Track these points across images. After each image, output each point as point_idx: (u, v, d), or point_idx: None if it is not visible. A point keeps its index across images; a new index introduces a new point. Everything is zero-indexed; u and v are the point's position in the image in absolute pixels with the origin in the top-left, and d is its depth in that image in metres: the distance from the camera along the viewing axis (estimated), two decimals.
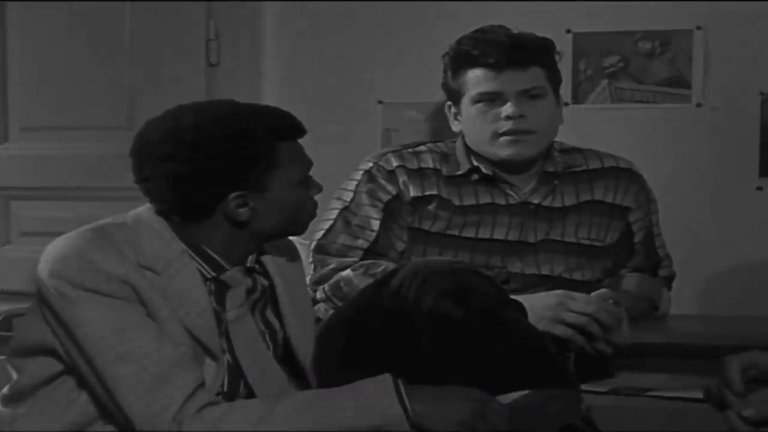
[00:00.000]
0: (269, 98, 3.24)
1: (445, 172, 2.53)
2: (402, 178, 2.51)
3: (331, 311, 2.35)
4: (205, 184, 1.87)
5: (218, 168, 1.86)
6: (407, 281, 2.00)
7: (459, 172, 2.52)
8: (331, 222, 2.52)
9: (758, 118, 3.08)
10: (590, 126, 3.08)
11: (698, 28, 3.08)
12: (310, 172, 1.99)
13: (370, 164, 2.54)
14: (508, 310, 2.04)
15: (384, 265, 2.38)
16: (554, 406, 1.93)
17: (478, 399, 1.84)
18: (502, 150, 2.48)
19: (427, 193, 2.51)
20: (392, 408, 1.78)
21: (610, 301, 2.35)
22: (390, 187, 2.51)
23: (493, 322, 1.98)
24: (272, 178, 1.90)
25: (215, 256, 1.92)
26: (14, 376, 1.94)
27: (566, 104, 3.08)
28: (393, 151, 2.56)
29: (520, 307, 2.08)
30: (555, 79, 2.54)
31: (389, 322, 1.99)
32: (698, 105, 3.11)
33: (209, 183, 1.87)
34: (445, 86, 2.58)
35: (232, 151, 1.86)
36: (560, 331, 2.27)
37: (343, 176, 2.59)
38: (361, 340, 2.03)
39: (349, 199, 2.52)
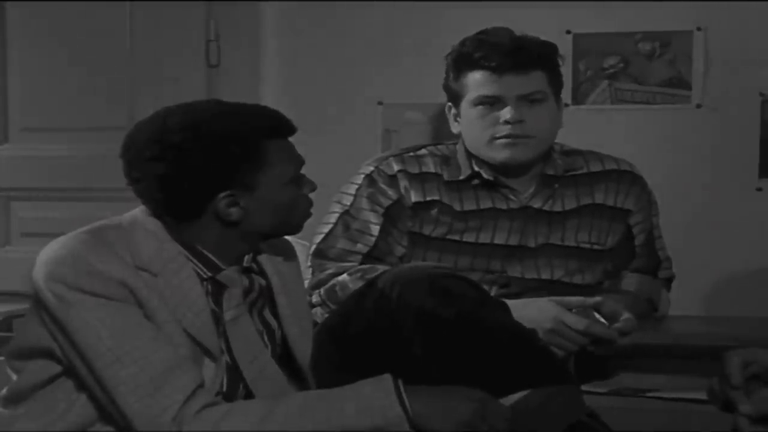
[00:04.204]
0: (269, 99, 3.25)
1: (446, 176, 2.52)
2: (403, 182, 2.50)
3: (327, 315, 2.34)
4: (193, 185, 1.87)
5: (205, 168, 1.86)
6: (389, 286, 2.00)
7: (460, 177, 2.52)
8: (330, 226, 2.51)
9: (758, 118, 3.08)
10: (590, 127, 3.08)
11: (698, 28, 3.09)
12: (310, 172, 1.99)
13: (371, 168, 2.53)
14: (491, 310, 2.04)
15: (381, 270, 2.36)
16: (555, 404, 1.93)
17: (479, 399, 1.84)
18: (499, 153, 2.47)
19: (428, 198, 2.50)
20: (392, 408, 1.78)
21: (597, 315, 2.32)
22: (391, 192, 2.50)
23: (479, 323, 1.98)
24: (261, 176, 1.89)
25: (210, 256, 1.92)
26: (13, 377, 1.95)
27: (566, 105, 3.08)
28: (394, 155, 2.55)
29: (504, 307, 2.08)
30: (556, 83, 2.52)
31: (376, 328, 1.99)
32: (698, 105, 3.11)
33: (197, 183, 1.87)
34: (447, 87, 2.56)
35: (219, 150, 1.86)
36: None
37: (343, 177, 2.58)
38: (350, 345, 2.03)
39: (349, 203, 2.52)
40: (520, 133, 2.45)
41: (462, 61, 2.50)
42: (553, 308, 2.29)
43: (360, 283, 2.31)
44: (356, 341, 2.04)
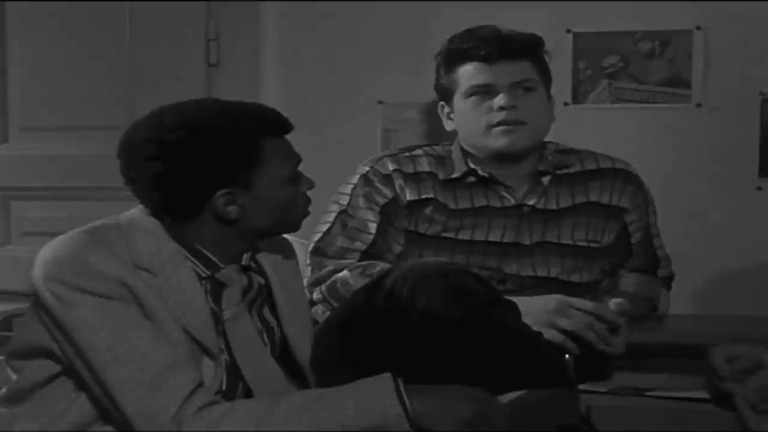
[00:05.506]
0: (269, 98, 3.24)
1: (441, 176, 2.53)
2: (398, 182, 2.52)
3: (328, 312, 2.35)
4: (190, 183, 1.87)
5: (202, 167, 1.86)
6: (400, 282, 2.00)
7: (455, 175, 2.53)
8: (328, 225, 2.52)
9: (758, 118, 3.08)
10: (590, 126, 3.08)
11: (698, 28, 3.08)
12: (309, 171, 1.99)
13: (367, 168, 2.55)
14: (501, 309, 2.04)
15: (380, 266, 2.38)
16: (552, 406, 1.94)
17: (479, 398, 1.84)
18: (496, 141, 2.50)
19: (423, 196, 2.52)
20: (392, 407, 1.78)
21: (613, 306, 2.35)
22: (386, 191, 2.52)
23: (486, 322, 1.98)
24: (258, 175, 1.90)
25: (209, 254, 1.92)
26: (13, 377, 1.95)
27: (566, 104, 3.09)
28: (389, 155, 2.58)
29: (513, 307, 2.08)
30: (545, 75, 2.56)
31: (383, 323, 1.99)
32: (698, 105, 3.11)
33: (194, 182, 1.87)
34: (438, 85, 2.60)
35: (215, 149, 1.86)
36: (551, 335, 2.27)
37: (343, 176, 2.59)
38: (357, 341, 2.03)
39: (345, 203, 2.53)
40: (513, 118, 2.48)
41: (452, 55, 2.53)
42: (560, 295, 2.33)
43: (361, 279, 2.33)
44: (364, 336, 2.03)
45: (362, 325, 2.03)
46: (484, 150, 2.52)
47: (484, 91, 2.50)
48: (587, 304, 2.32)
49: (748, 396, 1.76)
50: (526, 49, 2.52)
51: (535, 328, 2.19)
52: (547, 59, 2.57)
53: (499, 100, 2.48)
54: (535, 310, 2.28)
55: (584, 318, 2.29)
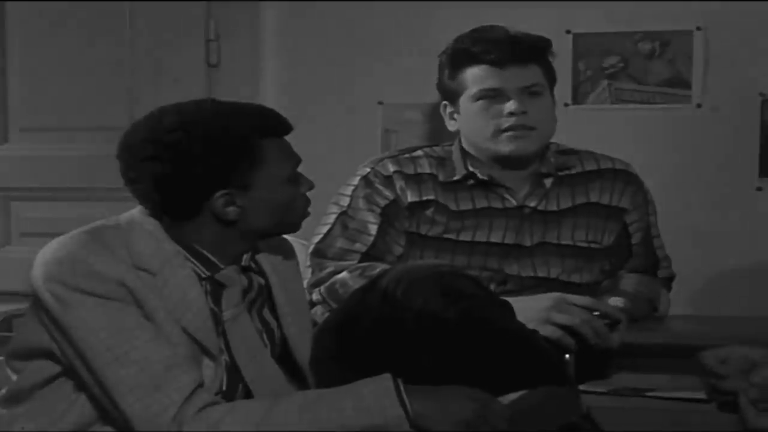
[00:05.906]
0: (269, 98, 3.25)
1: (441, 177, 2.53)
2: (399, 183, 2.52)
3: (327, 313, 2.35)
4: (189, 184, 1.87)
5: (200, 167, 1.86)
6: (394, 284, 2.00)
7: (455, 178, 2.53)
8: (328, 226, 2.52)
9: (758, 118, 3.08)
10: (590, 127, 3.08)
11: (698, 28, 3.08)
12: (309, 172, 1.99)
13: (367, 170, 2.55)
14: (496, 310, 2.04)
15: (380, 268, 2.37)
16: (552, 405, 1.93)
17: (479, 399, 1.84)
18: (504, 146, 2.49)
19: (424, 198, 2.51)
20: (392, 408, 1.78)
21: (618, 304, 2.35)
22: (387, 192, 2.51)
23: (481, 323, 1.98)
24: (257, 175, 1.90)
25: (209, 255, 1.92)
26: (13, 377, 1.95)
27: (566, 105, 3.09)
28: (390, 157, 2.57)
29: (508, 307, 2.08)
30: (551, 78, 2.55)
31: (380, 325, 1.99)
32: (698, 105, 3.11)
33: (193, 183, 1.87)
34: (441, 85, 2.59)
35: (213, 150, 1.86)
36: (548, 331, 2.26)
37: (343, 177, 2.59)
38: (353, 342, 2.03)
39: (346, 204, 2.53)
40: (523, 124, 2.47)
41: (459, 57, 2.52)
42: (558, 293, 2.33)
43: (360, 281, 2.32)
44: (360, 338, 2.03)
45: (359, 327, 2.03)
46: (489, 153, 2.52)
47: (493, 95, 2.48)
48: (586, 300, 2.32)
49: (751, 392, 1.76)
50: (536, 53, 2.50)
51: (531, 325, 2.19)
52: (552, 60, 2.56)
53: (510, 105, 2.47)
54: (532, 307, 2.27)
55: (582, 314, 2.29)
